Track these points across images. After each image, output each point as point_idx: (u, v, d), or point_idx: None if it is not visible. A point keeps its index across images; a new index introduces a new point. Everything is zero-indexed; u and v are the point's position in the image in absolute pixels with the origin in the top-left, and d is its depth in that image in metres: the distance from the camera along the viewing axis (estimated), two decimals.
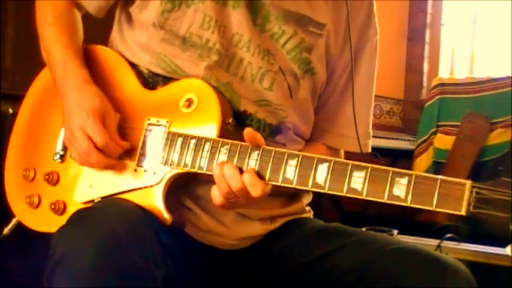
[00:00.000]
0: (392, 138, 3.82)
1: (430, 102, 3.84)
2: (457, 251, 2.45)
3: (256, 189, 1.14)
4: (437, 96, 3.80)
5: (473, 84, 3.74)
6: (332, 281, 1.28)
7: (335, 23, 1.39)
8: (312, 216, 1.49)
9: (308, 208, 1.50)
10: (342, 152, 1.48)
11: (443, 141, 3.70)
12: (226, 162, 1.17)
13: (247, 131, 1.17)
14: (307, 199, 1.49)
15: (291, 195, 1.43)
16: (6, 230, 1.42)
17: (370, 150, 1.48)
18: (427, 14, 4.52)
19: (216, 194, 1.17)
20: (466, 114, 3.64)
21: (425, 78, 4.51)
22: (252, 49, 1.32)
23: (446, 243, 2.51)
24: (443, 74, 4.41)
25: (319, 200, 1.52)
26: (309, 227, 1.40)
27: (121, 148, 1.26)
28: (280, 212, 1.41)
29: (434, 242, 2.52)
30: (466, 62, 4.43)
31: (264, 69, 1.32)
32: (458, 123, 3.66)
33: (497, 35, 4.27)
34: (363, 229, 2.20)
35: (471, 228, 2.77)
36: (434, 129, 3.77)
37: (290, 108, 1.36)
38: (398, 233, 2.57)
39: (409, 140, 3.91)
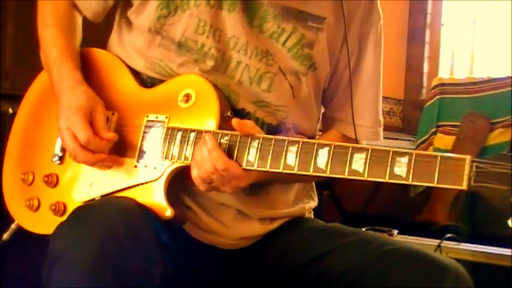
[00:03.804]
0: (392, 138, 3.81)
1: (430, 102, 3.83)
2: (457, 251, 2.44)
3: (220, 163, 1.15)
4: (437, 96, 3.79)
5: (473, 84, 3.73)
6: (329, 281, 1.28)
7: (336, 14, 1.37)
8: (312, 216, 1.49)
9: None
10: (364, 143, 1.44)
11: (443, 141, 3.69)
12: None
13: (235, 123, 1.17)
14: (311, 205, 1.48)
15: (295, 200, 1.43)
16: (5, 235, 1.42)
17: (382, 138, 1.46)
18: (427, 14, 4.51)
19: (195, 175, 1.19)
20: (466, 114, 3.63)
21: (425, 78, 4.50)
22: (250, 52, 1.32)
23: (446, 243, 2.50)
24: (443, 74, 4.40)
25: (320, 200, 1.52)
26: (307, 227, 1.40)
27: (107, 142, 1.26)
28: (281, 213, 1.40)
29: (434, 242, 2.51)
30: (466, 62, 4.42)
31: (262, 71, 1.32)
32: (458, 123, 3.65)
33: (497, 35, 4.26)
34: (363, 229, 2.21)
35: (471, 228, 2.77)
36: (434, 129, 3.76)
37: (292, 107, 1.36)
38: (398, 233, 2.56)
39: (409, 140, 3.90)
